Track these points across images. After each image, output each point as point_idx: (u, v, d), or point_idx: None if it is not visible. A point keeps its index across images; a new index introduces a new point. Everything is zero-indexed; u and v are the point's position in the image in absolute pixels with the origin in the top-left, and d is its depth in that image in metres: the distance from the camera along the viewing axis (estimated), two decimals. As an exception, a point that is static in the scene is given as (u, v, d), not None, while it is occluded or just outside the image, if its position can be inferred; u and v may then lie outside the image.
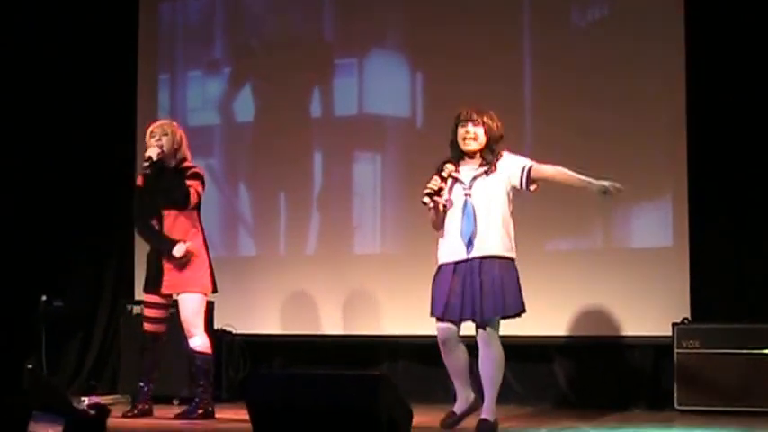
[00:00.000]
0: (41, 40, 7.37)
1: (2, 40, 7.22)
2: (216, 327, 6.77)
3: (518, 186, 5.10)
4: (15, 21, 7.26)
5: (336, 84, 7.14)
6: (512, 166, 5.11)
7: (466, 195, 5.08)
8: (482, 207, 5.05)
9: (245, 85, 7.38)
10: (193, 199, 5.64)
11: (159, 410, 5.84)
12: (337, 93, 7.14)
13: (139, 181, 5.79)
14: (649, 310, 6.21)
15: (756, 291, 6.11)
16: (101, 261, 7.53)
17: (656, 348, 6.22)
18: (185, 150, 5.76)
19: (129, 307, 6.75)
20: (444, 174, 5.08)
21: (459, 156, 5.15)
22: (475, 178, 5.09)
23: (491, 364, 5.01)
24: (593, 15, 6.60)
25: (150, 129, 5.77)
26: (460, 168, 5.14)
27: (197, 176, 5.70)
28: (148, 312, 5.77)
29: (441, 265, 5.13)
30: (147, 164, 5.63)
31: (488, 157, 5.09)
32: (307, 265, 7.08)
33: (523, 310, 5.05)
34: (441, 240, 5.16)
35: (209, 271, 5.74)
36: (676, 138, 6.26)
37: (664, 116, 6.32)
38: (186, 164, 5.74)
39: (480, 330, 5.03)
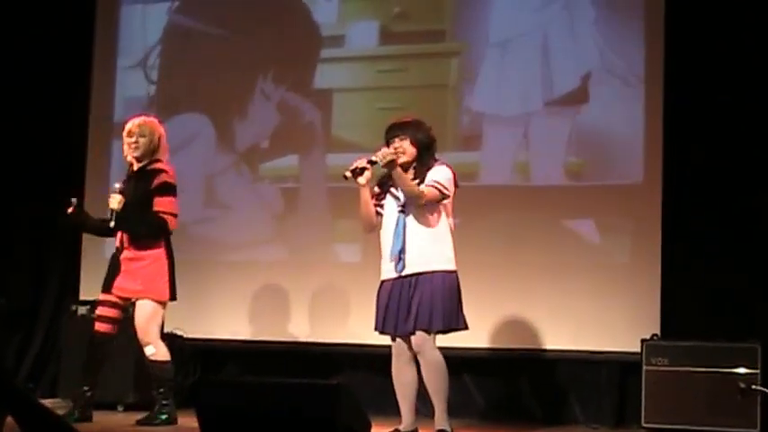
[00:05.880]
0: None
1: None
2: (165, 330, 6.53)
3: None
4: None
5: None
6: (429, 178, 4.98)
7: (400, 212, 5.01)
8: (414, 222, 4.98)
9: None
10: (172, 226, 5.41)
11: (101, 416, 5.57)
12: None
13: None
14: (618, 325, 6.17)
15: (728, 308, 6.06)
16: (45, 258, 7.32)
17: (624, 365, 6.17)
18: (162, 151, 5.51)
19: (74, 307, 6.55)
20: (374, 158, 4.95)
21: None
22: None
23: (428, 372, 4.93)
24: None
25: (128, 127, 5.50)
26: None
27: (167, 189, 5.40)
28: (101, 311, 5.49)
29: (381, 282, 5.08)
30: (109, 218, 5.34)
31: (420, 168, 5.02)
32: (263, 270, 6.89)
33: (454, 327, 4.94)
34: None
35: (167, 278, 5.45)
36: (651, 155, 6.21)
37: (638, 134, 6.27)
38: (157, 165, 5.44)
39: (413, 340, 4.93)
